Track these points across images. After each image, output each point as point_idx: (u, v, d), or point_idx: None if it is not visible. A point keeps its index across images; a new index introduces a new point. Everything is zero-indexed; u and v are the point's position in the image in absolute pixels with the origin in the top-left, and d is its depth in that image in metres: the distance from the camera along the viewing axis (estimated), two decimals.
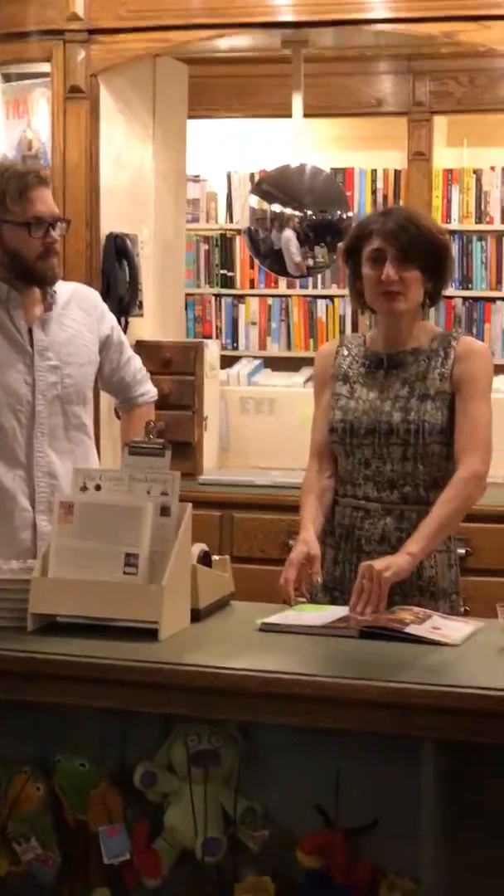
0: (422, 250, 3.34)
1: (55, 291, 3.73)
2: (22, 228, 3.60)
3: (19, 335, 3.68)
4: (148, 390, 4.02)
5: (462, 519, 3.37)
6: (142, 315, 5.37)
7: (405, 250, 3.33)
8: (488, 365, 3.45)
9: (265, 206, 5.55)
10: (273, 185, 5.58)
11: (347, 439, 3.41)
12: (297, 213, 5.49)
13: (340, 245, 3.59)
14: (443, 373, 3.38)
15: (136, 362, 4.00)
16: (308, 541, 3.35)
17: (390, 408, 3.38)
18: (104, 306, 3.91)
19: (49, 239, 3.62)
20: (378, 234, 3.35)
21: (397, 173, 6.95)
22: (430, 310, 3.56)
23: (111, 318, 3.92)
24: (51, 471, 3.69)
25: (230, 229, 7.21)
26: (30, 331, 3.69)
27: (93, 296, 3.90)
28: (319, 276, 6.78)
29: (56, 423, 3.72)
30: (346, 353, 3.53)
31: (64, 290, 3.79)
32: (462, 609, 3.52)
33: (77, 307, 3.80)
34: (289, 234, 5.49)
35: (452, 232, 6.85)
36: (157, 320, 5.64)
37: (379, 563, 3.15)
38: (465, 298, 6.94)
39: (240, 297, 7.19)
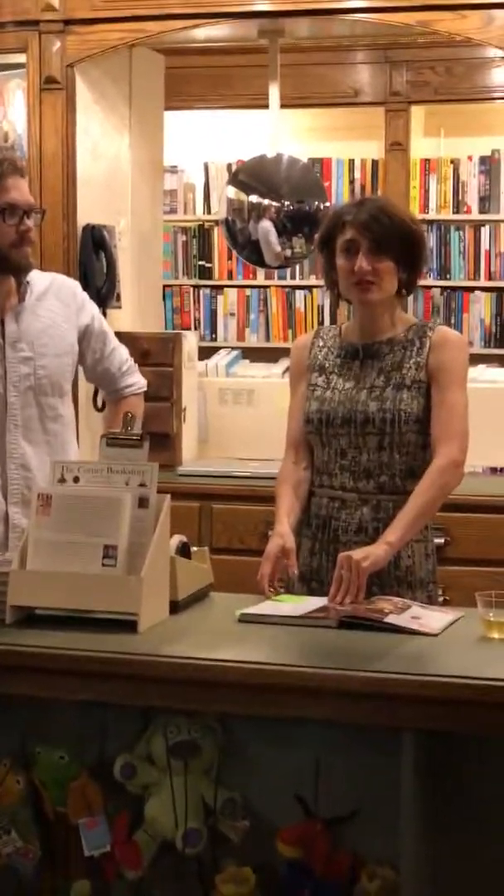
0: (394, 241, 3.34)
1: (29, 282, 3.69)
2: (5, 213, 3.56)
3: None
4: (135, 382, 3.97)
5: (439, 507, 3.37)
6: (120, 307, 5.36)
7: (378, 241, 3.32)
8: (464, 354, 3.45)
9: (242, 196, 5.55)
10: (250, 176, 5.57)
11: (323, 429, 3.41)
12: (274, 203, 5.48)
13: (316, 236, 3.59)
14: (418, 362, 3.38)
15: (122, 353, 3.95)
16: (283, 534, 3.35)
17: (366, 397, 3.38)
18: (84, 296, 3.86)
19: (23, 227, 3.58)
20: (351, 224, 3.35)
21: (375, 163, 6.95)
22: (408, 299, 3.56)
23: (92, 308, 3.86)
24: (24, 463, 3.65)
25: (208, 220, 7.21)
26: (2, 322, 3.66)
27: (71, 285, 3.86)
28: (297, 266, 6.79)
29: (30, 415, 3.68)
30: (321, 343, 3.53)
31: (41, 280, 3.76)
32: (440, 599, 3.52)
33: (54, 297, 3.76)
34: (267, 225, 5.49)
35: (430, 222, 6.87)
36: (135, 312, 5.63)
37: (357, 553, 3.15)
38: (443, 288, 6.96)
39: (218, 288, 7.19)
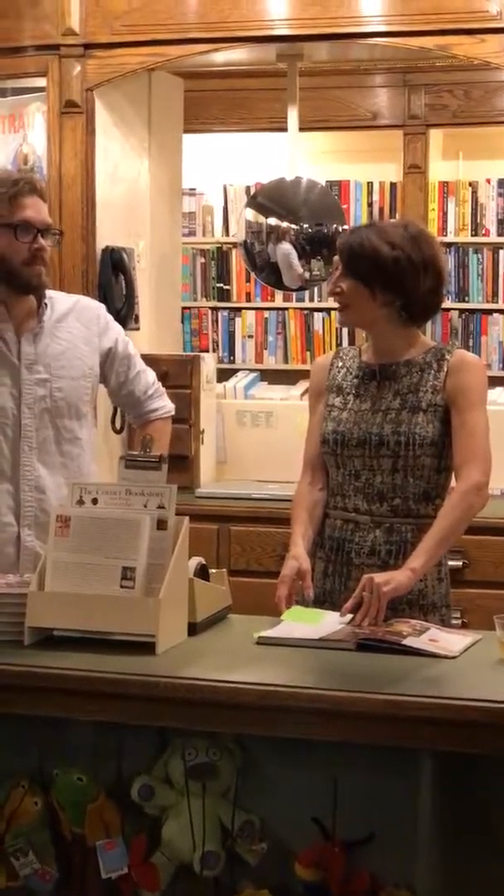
0: (362, 263, 3.36)
1: (47, 303, 3.70)
2: (8, 231, 3.56)
3: (5, 347, 3.63)
4: (161, 406, 3.94)
5: (464, 530, 3.37)
6: (138, 328, 5.37)
7: (345, 263, 3.39)
8: (482, 377, 3.45)
9: (261, 219, 5.56)
10: (269, 199, 5.59)
11: (338, 450, 3.42)
12: (293, 226, 5.50)
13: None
14: (435, 385, 3.38)
15: (148, 377, 3.92)
16: (298, 556, 3.35)
17: (381, 419, 3.38)
18: (109, 319, 3.85)
19: (36, 245, 3.58)
20: (337, 246, 3.45)
21: (393, 186, 6.96)
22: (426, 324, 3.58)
23: (117, 332, 3.84)
24: (38, 485, 3.64)
25: (226, 242, 7.22)
26: (18, 343, 3.66)
27: (95, 308, 3.85)
28: (316, 288, 6.79)
29: (46, 437, 3.66)
30: (340, 364, 3.54)
31: (64, 301, 3.76)
32: (455, 622, 3.51)
33: (76, 319, 3.75)
34: (287, 248, 5.49)
35: (448, 244, 6.87)
36: (154, 334, 5.64)
37: (380, 577, 3.15)
38: (461, 311, 6.95)
39: (236, 311, 7.20)
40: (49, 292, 3.72)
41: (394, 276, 3.36)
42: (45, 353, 3.67)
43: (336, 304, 3.47)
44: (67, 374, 3.69)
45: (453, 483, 3.37)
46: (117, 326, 3.88)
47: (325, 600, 3.43)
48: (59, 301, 3.75)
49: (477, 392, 3.40)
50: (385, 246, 3.36)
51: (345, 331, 6.97)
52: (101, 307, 3.88)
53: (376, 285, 3.36)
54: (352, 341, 6.86)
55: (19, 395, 3.63)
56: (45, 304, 3.69)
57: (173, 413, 4.01)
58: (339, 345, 6.94)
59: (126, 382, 3.86)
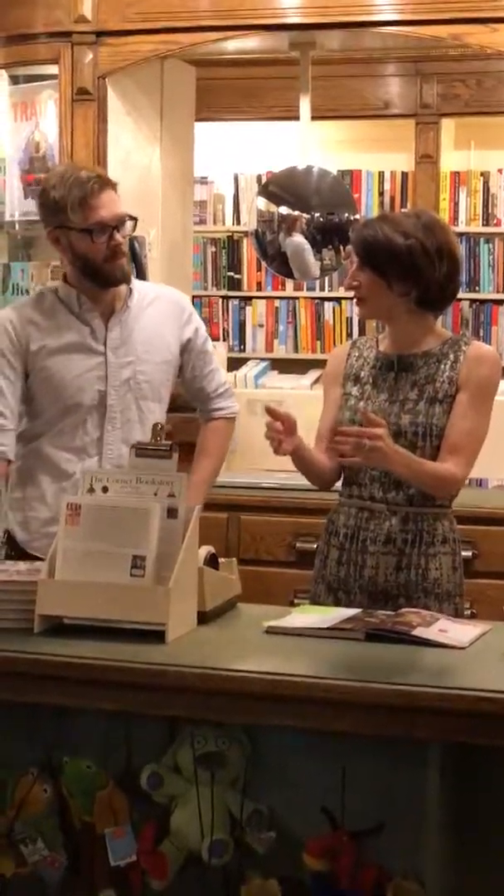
0: (377, 254, 3.36)
1: (132, 288, 3.81)
2: (85, 235, 3.66)
3: (92, 334, 3.76)
4: (227, 406, 4.04)
5: (426, 486, 3.39)
6: None
7: (361, 255, 3.39)
8: (497, 373, 3.46)
9: (272, 208, 5.55)
10: (280, 188, 5.57)
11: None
12: (304, 215, 5.48)
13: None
14: (451, 376, 3.39)
15: (220, 377, 4.04)
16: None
17: (399, 410, 3.38)
18: (192, 312, 3.96)
19: (114, 242, 3.67)
20: (353, 235, 3.46)
21: (404, 175, 6.95)
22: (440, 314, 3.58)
23: (198, 325, 3.95)
24: (121, 464, 3.70)
25: (237, 231, 7.22)
26: (106, 328, 3.76)
27: (181, 300, 3.96)
28: (327, 278, 6.78)
29: (130, 417, 3.77)
30: (357, 354, 3.56)
31: (150, 290, 3.90)
32: (466, 612, 3.52)
33: (162, 307, 3.86)
34: (300, 240, 5.48)
35: (459, 234, 6.84)
36: None
37: (383, 432, 3.19)
38: (472, 301, 6.94)
39: (247, 300, 7.20)
40: (135, 281, 3.86)
41: (409, 265, 3.37)
42: (130, 337, 3.79)
43: (353, 297, 3.48)
44: (151, 357, 3.81)
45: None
46: (199, 321, 3.99)
47: (339, 588, 3.44)
48: (145, 289, 3.88)
49: (489, 390, 3.43)
50: (399, 236, 3.36)
51: (356, 320, 6.96)
52: (187, 299, 4.02)
53: (392, 276, 3.37)
54: (362, 331, 6.86)
55: (106, 376, 3.75)
56: (131, 290, 3.80)
57: (237, 415, 4.11)
58: (349, 334, 6.94)
59: (199, 377, 3.96)
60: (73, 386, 3.74)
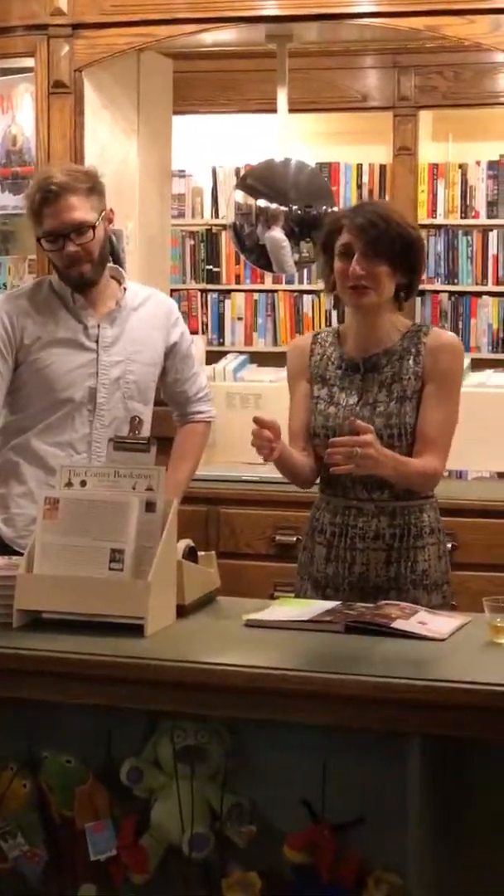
0: (390, 245, 3.33)
1: (125, 288, 3.83)
2: (45, 241, 3.71)
3: (85, 332, 3.77)
4: (207, 410, 4.06)
5: (412, 484, 3.41)
6: None
7: (372, 245, 3.32)
8: (460, 360, 3.46)
9: (250, 201, 5.54)
10: (258, 180, 5.56)
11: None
12: (282, 207, 5.47)
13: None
14: (416, 371, 3.39)
15: (201, 381, 4.06)
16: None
17: (370, 413, 3.37)
18: (179, 317, 3.99)
19: (65, 251, 3.67)
20: (347, 228, 3.35)
21: (382, 168, 6.96)
22: (417, 305, 3.57)
23: (183, 330, 3.98)
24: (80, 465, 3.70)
25: (216, 224, 7.21)
26: (98, 326, 3.78)
27: (169, 304, 4.00)
28: (305, 271, 6.78)
29: (117, 416, 3.78)
30: (320, 351, 3.53)
31: (140, 292, 3.91)
32: (451, 602, 3.53)
33: (151, 310, 3.89)
34: (279, 236, 5.47)
35: (438, 227, 6.87)
36: None
37: (373, 438, 3.18)
38: (450, 293, 6.95)
39: (225, 293, 7.20)
40: (128, 282, 3.89)
41: (416, 257, 3.40)
42: (121, 336, 3.81)
43: (353, 286, 3.39)
44: (140, 358, 3.84)
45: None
46: (185, 325, 4.03)
47: (326, 585, 3.44)
48: (136, 291, 3.90)
49: (453, 377, 3.43)
50: (408, 227, 3.40)
51: (334, 313, 6.96)
52: (174, 304, 4.06)
53: (400, 265, 3.36)
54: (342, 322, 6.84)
55: (97, 374, 3.77)
56: (125, 290, 3.83)
57: (214, 419, 4.14)
58: (328, 327, 6.93)
59: (181, 380, 3.98)
60: (64, 380, 3.75)
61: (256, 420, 3.26)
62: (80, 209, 3.67)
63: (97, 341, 3.78)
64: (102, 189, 3.79)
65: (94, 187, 3.73)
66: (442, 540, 3.50)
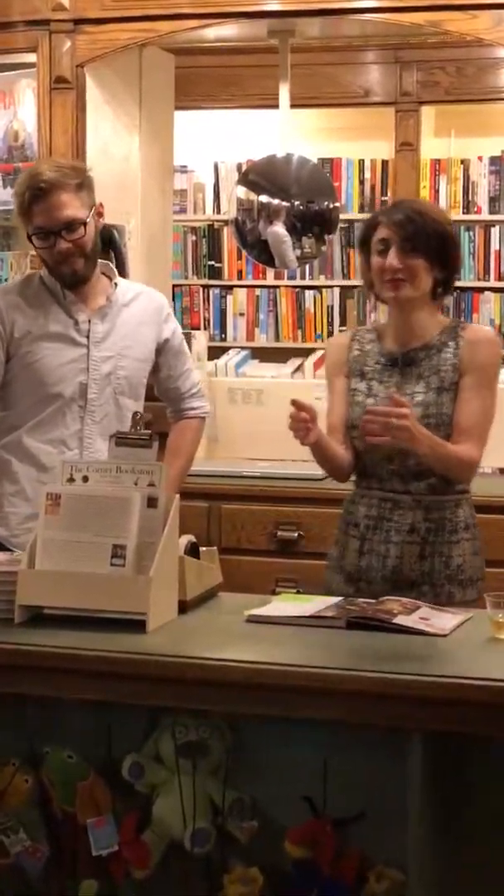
0: (426, 239, 3.40)
1: (117, 284, 3.82)
2: (35, 238, 3.69)
3: (76, 327, 3.76)
4: (200, 406, 4.05)
5: (448, 468, 3.43)
6: None
7: (409, 239, 3.39)
8: (498, 353, 3.51)
9: (252, 196, 5.54)
10: (260, 176, 5.56)
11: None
12: (284, 203, 5.48)
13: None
14: (454, 363, 3.44)
15: (194, 377, 4.05)
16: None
17: (410, 404, 3.40)
18: (170, 313, 3.98)
19: (56, 249, 3.66)
20: (385, 223, 3.43)
21: (384, 163, 6.95)
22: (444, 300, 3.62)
23: (175, 327, 3.97)
24: (99, 459, 3.69)
25: (217, 220, 7.21)
26: (89, 321, 3.77)
27: (161, 301, 3.97)
28: (307, 266, 6.78)
29: (108, 413, 3.77)
30: (358, 347, 3.58)
31: (131, 288, 3.90)
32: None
33: (142, 306, 3.87)
34: (280, 231, 5.47)
35: None
36: None
37: (410, 412, 3.23)
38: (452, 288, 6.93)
39: (227, 288, 7.19)
40: (119, 278, 3.87)
41: (451, 252, 3.46)
42: (112, 332, 3.79)
43: (389, 279, 3.44)
44: (131, 353, 3.82)
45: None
46: (176, 321, 4.01)
47: (360, 578, 3.48)
48: (127, 287, 3.89)
49: (491, 370, 3.48)
50: (444, 224, 3.46)
51: (336, 308, 6.96)
52: (166, 300, 4.02)
53: (436, 262, 3.42)
54: (343, 319, 6.85)
55: (87, 369, 3.75)
56: (116, 285, 3.82)
57: (208, 414, 4.13)
58: (330, 323, 6.95)
59: (174, 377, 3.97)
60: (54, 375, 3.73)
61: (294, 403, 3.31)
62: (71, 206, 3.65)
63: (88, 336, 3.76)
64: (92, 184, 3.77)
65: (83, 182, 3.71)
66: (476, 535, 3.53)
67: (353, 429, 3.48)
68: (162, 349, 3.91)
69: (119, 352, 3.79)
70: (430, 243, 3.40)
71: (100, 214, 3.79)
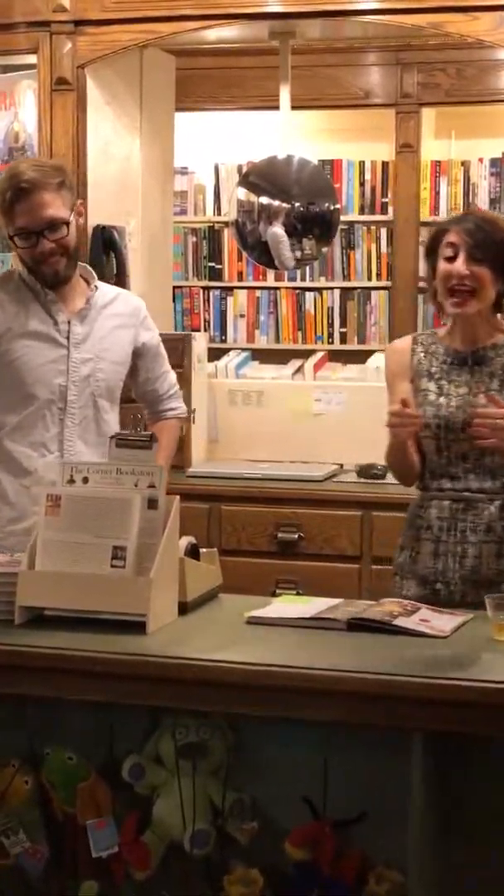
0: (496, 250, 3.42)
1: (97, 286, 3.81)
2: (17, 238, 3.67)
3: (56, 327, 3.75)
4: (178, 406, 4.05)
5: None
6: None
7: (479, 247, 3.40)
8: None
9: (253, 198, 5.54)
10: (260, 177, 5.56)
11: (442, 434, 3.46)
12: (284, 205, 5.48)
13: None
14: None
15: (171, 378, 4.04)
16: None
17: (484, 402, 3.40)
18: (147, 315, 3.97)
19: (39, 249, 3.65)
20: (455, 231, 3.45)
21: (385, 165, 6.94)
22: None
23: (153, 328, 3.96)
24: (79, 461, 3.69)
25: (218, 221, 7.19)
26: (69, 322, 3.75)
27: (138, 303, 3.96)
28: (308, 268, 6.77)
29: (87, 415, 3.77)
30: (421, 350, 3.59)
31: (108, 292, 3.89)
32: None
33: (119, 309, 3.86)
34: (278, 231, 5.47)
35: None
36: None
37: None
38: None
39: (228, 290, 7.18)
40: (97, 282, 3.85)
41: None
42: (91, 334, 3.78)
43: (455, 287, 3.45)
44: (109, 357, 3.81)
45: None
46: (153, 324, 4.00)
47: (435, 580, 3.49)
48: (105, 290, 3.87)
49: None
50: None
51: (336, 310, 6.95)
52: (142, 303, 3.99)
53: (501, 271, 3.44)
54: (343, 322, 6.85)
55: (67, 371, 3.74)
56: (96, 287, 3.81)
57: (186, 415, 4.13)
58: (330, 325, 6.93)
59: (152, 379, 3.97)
60: (34, 374, 3.72)
61: (403, 401, 3.33)
62: (53, 205, 3.64)
63: (68, 338, 3.75)
64: (72, 183, 3.76)
65: (64, 182, 3.69)
66: None
67: (427, 428, 3.47)
68: (140, 352, 3.90)
69: (97, 354, 3.78)
70: (499, 254, 3.42)
71: (80, 214, 3.78)
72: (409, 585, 3.53)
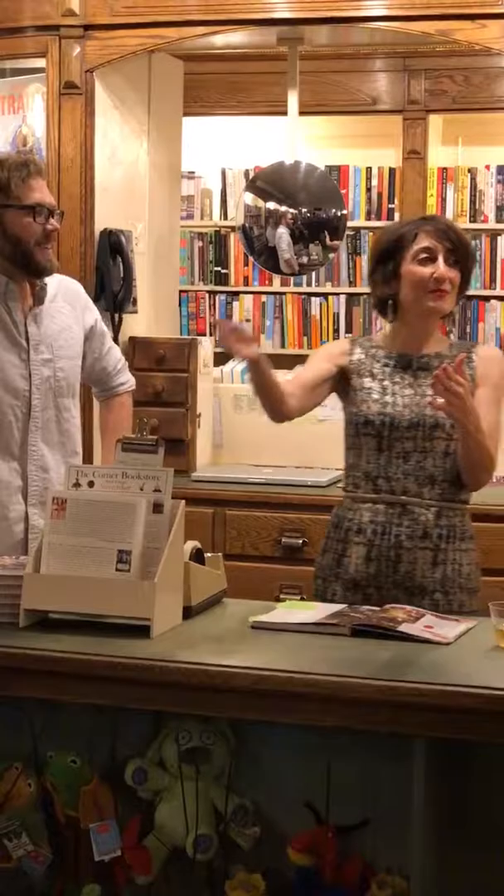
0: (463, 254, 3.45)
1: (45, 284, 3.76)
2: (26, 213, 3.65)
3: (15, 329, 3.72)
4: (128, 379, 4.07)
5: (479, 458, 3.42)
6: (136, 312, 5.36)
7: (454, 251, 3.43)
8: None
9: (260, 203, 5.55)
10: (268, 183, 5.57)
11: (386, 433, 3.44)
12: (291, 210, 5.48)
13: (373, 247, 3.65)
14: (471, 374, 3.41)
15: (116, 352, 4.06)
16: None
17: (426, 407, 3.41)
18: (87, 297, 3.96)
19: (50, 226, 3.67)
20: (428, 234, 3.44)
21: (392, 171, 6.95)
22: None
23: (94, 309, 3.96)
24: (43, 464, 3.72)
25: (225, 226, 7.21)
26: (25, 323, 3.73)
27: (76, 287, 3.94)
28: (314, 273, 6.78)
29: (49, 417, 3.76)
30: (360, 351, 3.57)
31: (50, 283, 3.82)
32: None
33: (63, 300, 3.84)
34: (281, 231, 5.48)
35: None
36: (151, 317, 5.63)
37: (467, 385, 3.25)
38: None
39: (234, 295, 7.19)
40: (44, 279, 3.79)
41: (472, 268, 3.51)
42: (46, 333, 3.76)
43: (434, 290, 3.47)
44: (66, 353, 3.79)
45: None
46: (91, 302, 3.99)
47: (368, 584, 3.47)
48: (47, 282, 3.81)
49: (500, 389, 3.49)
50: (469, 240, 3.51)
51: (342, 316, 6.96)
52: (80, 286, 3.98)
53: (465, 275, 3.47)
54: (349, 328, 6.86)
55: (29, 374, 3.72)
56: (45, 286, 3.76)
57: (135, 387, 4.13)
58: (336, 330, 6.95)
59: (100, 358, 3.97)
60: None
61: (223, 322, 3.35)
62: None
63: (27, 339, 3.73)
64: None
65: None
66: (475, 547, 3.54)
67: (369, 425, 3.47)
68: (88, 336, 3.90)
69: (55, 353, 3.77)
70: (466, 258, 3.46)
71: None
72: (335, 589, 3.51)
